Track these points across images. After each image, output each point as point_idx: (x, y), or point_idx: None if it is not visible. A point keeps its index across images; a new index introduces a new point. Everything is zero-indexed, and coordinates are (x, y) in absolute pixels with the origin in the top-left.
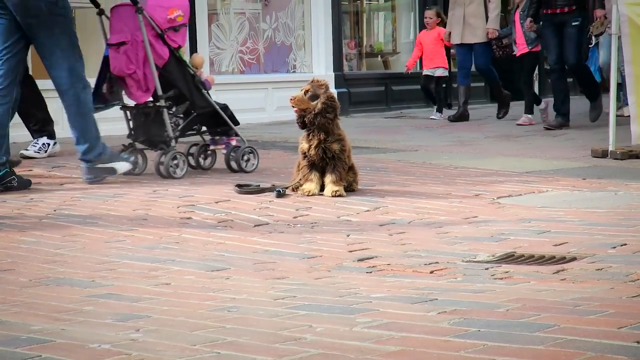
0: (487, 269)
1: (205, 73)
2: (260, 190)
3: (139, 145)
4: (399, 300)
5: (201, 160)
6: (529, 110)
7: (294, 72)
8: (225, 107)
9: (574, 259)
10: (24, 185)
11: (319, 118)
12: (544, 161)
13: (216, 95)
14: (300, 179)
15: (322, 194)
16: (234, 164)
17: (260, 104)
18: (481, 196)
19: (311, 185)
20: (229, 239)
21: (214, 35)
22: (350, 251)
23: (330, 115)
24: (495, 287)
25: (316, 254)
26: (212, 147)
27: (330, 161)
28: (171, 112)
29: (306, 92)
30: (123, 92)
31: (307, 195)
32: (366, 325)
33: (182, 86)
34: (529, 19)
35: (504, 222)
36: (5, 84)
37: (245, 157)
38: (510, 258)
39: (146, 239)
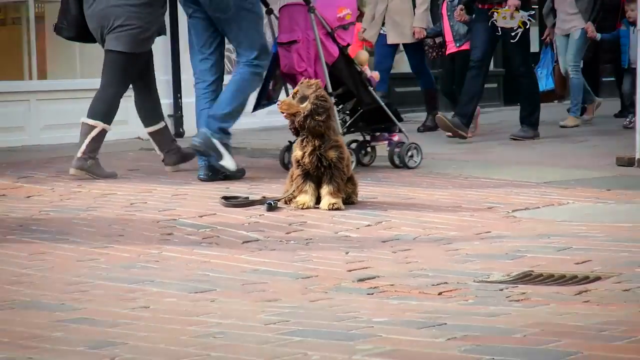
0: (501, 290)
1: (368, 70)
2: (249, 203)
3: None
4: (404, 325)
5: (361, 156)
6: None
7: None
8: (389, 104)
9: (598, 278)
10: None
11: (308, 120)
12: (564, 170)
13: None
14: (293, 191)
15: (318, 207)
16: (397, 160)
17: (249, 108)
18: (494, 209)
19: (306, 197)
20: (215, 257)
21: None
22: (350, 270)
23: (321, 116)
24: (511, 310)
25: (311, 273)
26: (372, 144)
27: (327, 170)
28: (339, 109)
29: (294, 94)
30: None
31: (302, 209)
32: (367, 353)
33: (350, 83)
34: (459, 7)
35: (520, 238)
36: (214, 78)
37: (409, 153)
38: (527, 278)
39: (122, 257)
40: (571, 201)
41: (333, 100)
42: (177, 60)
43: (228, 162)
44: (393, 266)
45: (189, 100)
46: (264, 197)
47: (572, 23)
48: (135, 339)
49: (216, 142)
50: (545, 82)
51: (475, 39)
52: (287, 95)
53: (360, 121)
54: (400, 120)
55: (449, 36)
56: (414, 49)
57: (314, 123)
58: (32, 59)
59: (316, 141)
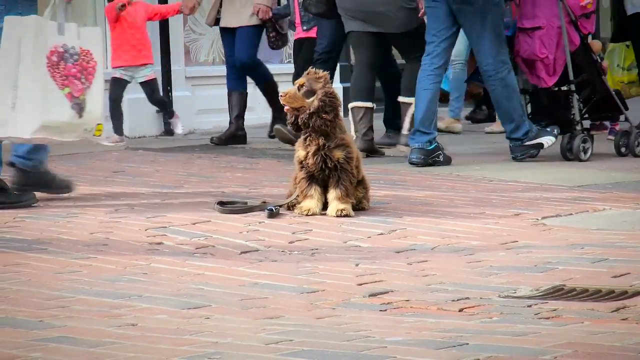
0: (529, 306)
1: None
2: (248, 209)
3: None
4: (421, 344)
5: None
6: None
7: (289, 62)
8: (618, 92)
9: (637, 293)
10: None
11: (314, 118)
12: (600, 172)
13: (192, 91)
14: (297, 195)
15: (324, 214)
16: (623, 150)
17: (248, 102)
18: (522, 216)
19: (311, 203)
20: (210, 269)
21: (190, 18)
22: (360, 284)
23: (328, 115)
24: (540, 328)
25: (318, 287)
26: (592, 132)
27: (333, 172)
28: (578, 98)
29: (300, 86)
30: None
31: (306, 215)
32: None
33: (588, 72)
34: None
35: (550, 248)
36: (438, 64)
37: (637, 142)
38: (558, 293)
39: (107, 269)
40: (608, 207)
41: (572, 88)
42: (167, 51)
43: (547, 140)
44: (408, 279)
45: (180, 94)
46: (264, 202)
47: None
48: None
49: (527, 143)
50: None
51: (321, 27)
52: None
53: (592, 110)
54: (627, 109)
55: (298, 19)
56: (250, 35)
57: (320, 122)
58: None
59: (321, 140)
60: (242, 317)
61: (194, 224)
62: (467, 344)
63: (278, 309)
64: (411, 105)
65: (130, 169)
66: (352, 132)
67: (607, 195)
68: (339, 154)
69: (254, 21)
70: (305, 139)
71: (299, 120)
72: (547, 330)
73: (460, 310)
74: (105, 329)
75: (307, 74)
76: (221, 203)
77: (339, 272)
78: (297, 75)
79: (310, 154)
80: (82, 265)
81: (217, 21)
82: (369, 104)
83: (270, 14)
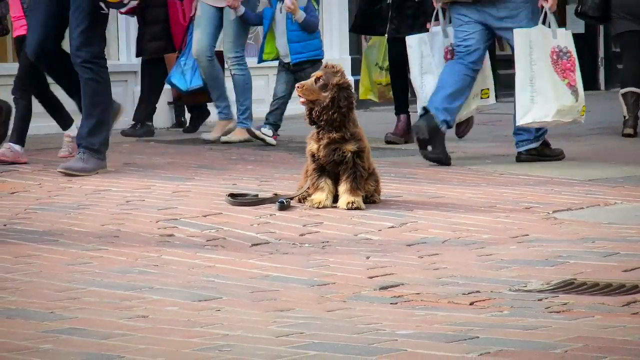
0: (540, 300)
1: None
2: (259, 201)
3: None
4: (431, 338)
5: None
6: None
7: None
8: None
9: None
10: None
11: (329, 111)
12: (612, 166)
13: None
14: (308, 188)
15: (335, 206)
16: None
17: (259, 94)
18: (533, 209)
19: (322, 195)
20: (220, 261)
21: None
22: (371, 277)
23: (343, 108)
24: (551, 322)
25: (328, 280)
26: None
27: (345, 165)
28: None
29: (317, 79)
30: None
31: (317, 208)
32: None
33: None
34: None
35: (561, 242)
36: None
37: None
38: (569, 287)
39: (118, 260)
40: (619, 201)
41: None
42: None
43: None
44: (419, 273)
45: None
46: (275, 194)
47: None
48: (133, 352)
49: None
50: (190, 79)
51: None
52: None
53: None
54: None
55: (19, 12)
56: None
57: (335, 115)
58: None
59: (333, 133)
60: (253, 309)
61: (204, 216)
62: (478, 337)
63: (289, 302)
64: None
65: (141, 161)
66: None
67: (619, 189)
68: (351, 147)
69: None
70: (318, 133)
71: (314, 113)
72: (557, 324)
73: (471, 304)
74: (116, 320)
75: (325, 67)
76: (232, 195)
77: (349, 265)
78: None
79: (322, 147)
80: (93, 257)
81: None
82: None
83: None
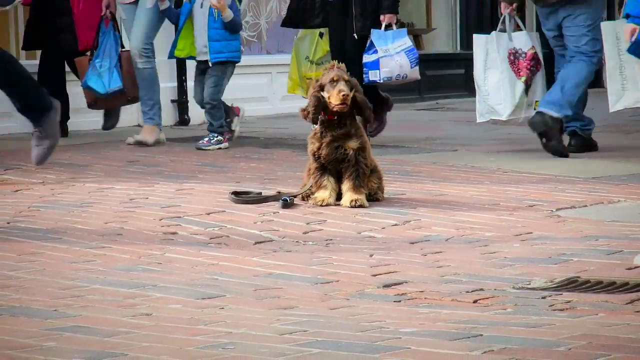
0: (544, 297)
1: None
2: (262, 199)
3: None
4: (435, 336)
5: None
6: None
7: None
8: None
9: None
10: None
11: (366, 109)
12: (616, 164)
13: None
14: (311, 186)
15: (338, 204)
16: None
17: (262, 92)
18: (537, 207)
19: (325, 193)
20: (224, 259)
21: None
22: (374, 275)
23: (361, 93)
24: (555, 320)
25: (332, 278)
26: None
27: (347, 163)
28: None
29: (347, 81)
30: None
31: (321, 206)
32: None
33: None
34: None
35: (564, 240)
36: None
37: None
38: (572, 284)
39: (121, 258)
40: (622, 199)
41: None
42: None
43: None
44: (423, 270)
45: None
46: (278, 192)
47: None
48: (136, 350)
49: None
50: (109, 80)
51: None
52: None
53: None
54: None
55: None
56: None
57: (363, 97)
58: None
59: (335, 131)
60: (256, 307)
61: (208, 214)
62: (481, 335)
63: (292, 300)
64: None
65: (144, 159)
66: None
67: (622, 187)
68: (353, 144)
69: None
70: (321, 131)
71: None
72: (561, 321)
73: (475, 302)
74: (120, 318)
75: (338, 67)
76: (235, 193)
77: (353, 263)
78: None
79: (324, 145)
80: (96, 254)
81: None
82: None
83: None
